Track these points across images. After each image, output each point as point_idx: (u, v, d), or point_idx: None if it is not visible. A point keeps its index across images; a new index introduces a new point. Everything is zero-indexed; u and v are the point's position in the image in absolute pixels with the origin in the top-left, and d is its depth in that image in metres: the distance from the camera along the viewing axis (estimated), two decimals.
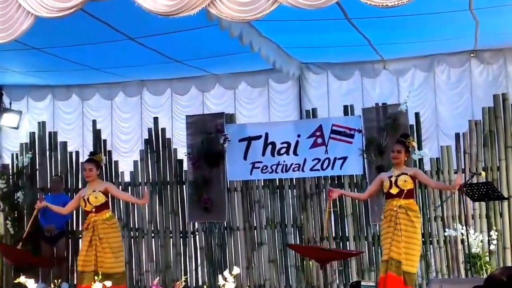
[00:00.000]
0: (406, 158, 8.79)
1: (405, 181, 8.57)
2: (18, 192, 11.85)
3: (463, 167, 10.38)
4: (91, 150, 11.90)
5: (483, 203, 10.05)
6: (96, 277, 6.72)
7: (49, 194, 11.65)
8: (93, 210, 9.16)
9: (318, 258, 9.52)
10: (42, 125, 12.24)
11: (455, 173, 10.38)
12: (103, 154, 11.16)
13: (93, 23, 8.57)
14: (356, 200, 10.69)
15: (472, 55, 11.61)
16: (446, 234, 10.23)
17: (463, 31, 10.02)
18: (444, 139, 11.43)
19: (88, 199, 9.18)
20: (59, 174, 11.81)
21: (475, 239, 9.68)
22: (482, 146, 10.39)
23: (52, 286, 7.00)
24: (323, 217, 10.82)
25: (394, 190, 8.60)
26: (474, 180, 9.61)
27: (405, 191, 8.54)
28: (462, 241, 10.05)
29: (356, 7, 6.84)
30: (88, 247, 9.14)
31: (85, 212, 9.32)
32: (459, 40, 10.63)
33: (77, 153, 12.10)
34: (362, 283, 4.98)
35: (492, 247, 9.77)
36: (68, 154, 11.97)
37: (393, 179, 8.62)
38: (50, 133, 12.17)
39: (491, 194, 9.17)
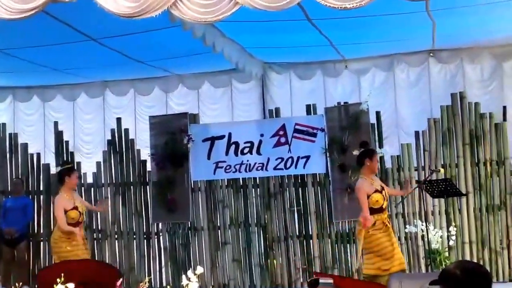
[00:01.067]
0: None
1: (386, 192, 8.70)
2: None
3: (422, 164, 10.57)
4: (53, 151, 11.88)
5: (443, 200, 10.25)
6: (58, 280, 6.70)
7: (10, 196, 11.56)
8: (81, 219, 9.32)
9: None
10: (2, 126, 12.13)
11: (415, 170, 10.56)
12: (68, 156, 11.17)
13: (55, 24, 8.55)
14: (319, 199, 10.82)
15: (430, 55, 11.80)
16: (406, 230, 10.39)
17: (421, 32, 10.19)
18: (404, 137, 11.60)
19: (77, 207, 9.27)
20: (19, 177, 11.71)
21: (434, 235, 9.83)
22: (441, 143, 10.58)
23: None
24: (286, 216, 10.94)
25: (385, 204, 8.59)
26: (434, 177, 9.79)
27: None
28: (422, 237, 10.21)
29: (317, 8, 6.92)
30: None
31: (75, 223, 9.35)
32: (418, 40, 10.82)
33: (38, 155, 12.00)
34: (321, 280, 5.06)
35: (451, 242, 9.95)
36: (29, 156, 11.89)
37: (384, 194, 8.56)
38: (10, 134, 12.06)
39: (449, 191, 9.34)
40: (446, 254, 9.91)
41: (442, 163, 10.50)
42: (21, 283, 7.72)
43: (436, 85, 11.87)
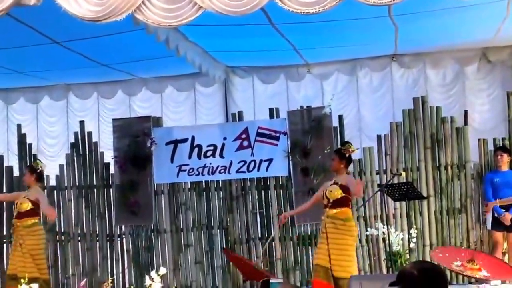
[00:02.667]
0: (343, 166, 8.99)
1: (331, 191, 8.79)
2: None
3: (384, 167, 10.70)
4: (16, 154, 11.83)
5: (404, 203, 10.38)
6: (22, 280, 6.72)
7: None
8: (16, 215, 9.23)
9: (246, 273, 9.70)
10: None
11: (377, 174, 10.69)
12: (31, 159, 11.12)
13: (19, 27, 8.51)
14: (282, 202, 10.92)
15: (393, 59, 11.93)
16: (368, 233, 10.50)
17: (383, 36, 10.31)
18: (366, 140, 11.69)
19: (16, 203, 9.21)
20: None
21: (395, 238, 9.94)
22: (403, 147, 10.72)
23: None
24: (248, 218, 11.01)
25: (325, 201, 8.84)
26: (395, 181, 9.92)
27: (331, 201, 8.78)
28: (384, 240, 10.32)
29: (279, 13, 7.00)
30: (13, 251, 9.19)
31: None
32: (380, 44, 10.93)
33: (1, 157, 11.93)
34: (271, 280, 5.10)
35: (412, 245, 10.06)
36: None
37: (325, 190, 8.85)
38: None
39: (411, 194, 9.47)
40: (407, 256, 10.03)
41: (404, 166, 10.64)
42: None
43: (399, 89, 12.00)
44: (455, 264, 8.84)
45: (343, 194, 8.78)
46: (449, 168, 10.60)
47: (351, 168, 10.73)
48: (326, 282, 8.60)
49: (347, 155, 9.02)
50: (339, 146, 9.38)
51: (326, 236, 8.68)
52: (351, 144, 9.20)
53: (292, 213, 10.06)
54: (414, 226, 10.34)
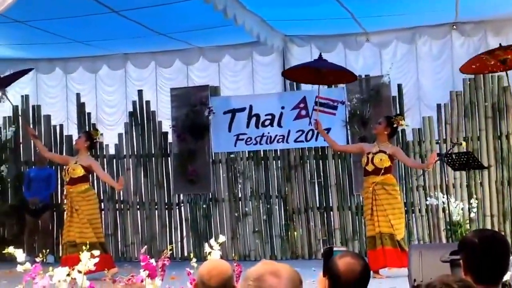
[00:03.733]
0: (387, 133, 8.89)
1: (381, 159, 8.72)
2: (2, 166, 11.92)
3: (444, 137, 10.55)
4: (75, 123, 11.99)
5: (464, 173, 10.24)
6: (84, 247, 6.81)
7: (34, 167, 11.73)
8: (68, 181, 9.26)
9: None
10: (25, 98, 12.28)
11: (437, 143, 10.54)
12: (90, 128, 11.24)
13: None
14: (340, 171, 10.86)
15: (453, 27, 11.69)
16: (427, 203, 10.41)
17: (444, 4, 10.11)
18: (426, 110, 11.52)
19: (67, 169, 9.27)
20: None
21: (455, 207, 9.85)
22: (463, 116, 10.55)
23: (39, 258, 7.05)
24: (307, 188, 10.98)
25: (370, 167, 8.77)
26: (455, 150, 9.77)
27: (382, 169, 8.70)
28: (443, 210, 10.23)
29: None
30: (69, 217, 9.27)
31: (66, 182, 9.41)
32: (440, 12, 10.71)
33: (61, 126, 12.15)
34: (335, 248, 5.09)
35: (472, 215, 9.97)
36: (52, 128, 12.03)
37: (370, 156, 8.77)
38: (33, 106, 12.21)
39: (471, 164, 9.34)
40: (467, 226, 9.92)
41: (464, 136, 10.48)
42: (46, 252, 7.83)
43: (459, 58, 11.72)
44: None
45: (390, 164, 8.78)
46: (510, 137, 10.41)
47: (410, 137, 10.65)
48: (394, 248, 8.58)
49: (395, 125, 8.91)
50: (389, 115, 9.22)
51: (382, 203, 8.63)
52: (403, 117, 9.11)
53: (323, 132, 9.68)
54: (475, 196, 10.19)
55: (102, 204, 11.28)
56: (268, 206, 11.19)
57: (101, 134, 10.05)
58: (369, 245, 8.92)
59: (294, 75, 10.16)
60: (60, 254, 11.52)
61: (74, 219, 9.22)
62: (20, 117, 12.05)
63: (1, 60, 12.97)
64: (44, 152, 10.05)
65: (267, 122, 11.07)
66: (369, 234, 8.92)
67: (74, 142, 9.50)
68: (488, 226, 10.10)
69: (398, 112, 10.48)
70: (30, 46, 11.82)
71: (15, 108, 12.07)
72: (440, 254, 4.20)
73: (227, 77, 12.71)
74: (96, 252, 5.81)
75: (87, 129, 11.34)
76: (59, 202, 11.63)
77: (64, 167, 9.50)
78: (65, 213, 9.51)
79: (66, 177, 9.33)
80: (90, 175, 9.80)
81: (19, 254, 6.73)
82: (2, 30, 10.44)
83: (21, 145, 12.09)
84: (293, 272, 2.93)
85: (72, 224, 9.24)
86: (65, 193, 9.51)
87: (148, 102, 11.75)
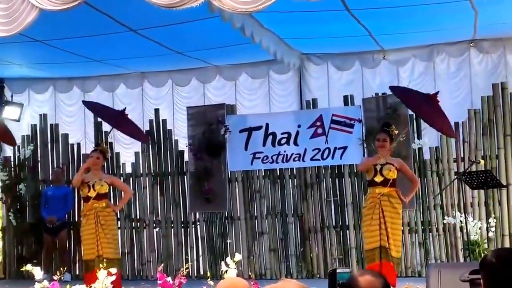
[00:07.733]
0: (390, 146, 8.86)
1: (390, 170, 8.66)
2: (20, 184, 12.03)
3: (462, 155, 10.49)
4: (93, 141, 12.04)
5: (482, 191, 10.14)
6: (101, 265, 6.82)
7: (51, 185, 11.79)
8: (94, 196, 9.26)
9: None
10: (43, 117, 12.38)
11: (455, 161, 10.49)
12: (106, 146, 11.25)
13: (96, 16, 8.64)
14: (356, 189, 10.82)
15: (471, 44, 11.65)
16: (445, 221, 10.34)
17: (462, 21, 10.07)
18: None
19: (93, 185, 9.27)
20: (60, 166, 11.92)
21: (473, 226, 9.77)
22: (481, 134, 10.49)
23: (57, 276, 7.08)
24: (323, 206, 10.94)
25: (378, 179, 8.67)
26: (473, 168, 9.70)
27: (390, 180, 8.65)
28: (461, 229, 10.16)
29: None
30: (94, 234, 9.22)
31: (85, 198, 9.34)
32: (459, 29, 10.68)
33: (78, 145, 12.22)
34: (338, 270, 5.04)
35: (490, 234, 9.87)
36: (69, 146, 12.10)
37: (378, 168, 8.70)
38: (51, 125, 12.31)
39: (489, 182, 9.27)
40: (485, 245, 9.84)
41: (482, 154, 10.41)
42: (63, 270, 7.83)
43: (477, 76, 11.69)
44: None
45: (396, 177, 8.70)
46: None
47: (427, 155, 10.59)
48: (389, 263, 8.44)
49: (393, 136, 8.88)
50: (384, 128, 9.03)
51: (385, 215, 8.52)
52: (393, 126, 9.01)
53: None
54: (493, 215, 10.11)
55: (119, 222, 11.28)
56: (284, 224, 11.16)
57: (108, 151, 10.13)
58: (367, 259, 8.68)
59: (401, 93, 10.01)
60: (77, 272, 11.57)
61: (101, 234, 9.21)
62: (38, 136, 12.13)
63: (20, 80, 13.09)
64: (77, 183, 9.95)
65: (283, 141, 11.06)
66: (371, 246, 8.60)
67: (91, 163, 9.44)
68: (507, 245, 10.00)
69: (415, 130, 10.45)
70: (48, 65, 11.90)
71: (33, 127, 12.15)
72: (459, 273, 4.17)
73: (244, 96, 12.72)
74: (113, 270, 5.83)
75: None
76: (76, 220, 11.64)
77: (88, 183, 9.37)
78: (84, 229, 9.38)
79: (91, 193, 9.28)
80: None
81: (37, 272, 6.76)
82: (21, 49, 10.51)
83: (39, 163, 12.15)
84: None
85: (101, 239, 9.20)
86: (84, 211, 9.42)
87: (164, 121, 11.79)
